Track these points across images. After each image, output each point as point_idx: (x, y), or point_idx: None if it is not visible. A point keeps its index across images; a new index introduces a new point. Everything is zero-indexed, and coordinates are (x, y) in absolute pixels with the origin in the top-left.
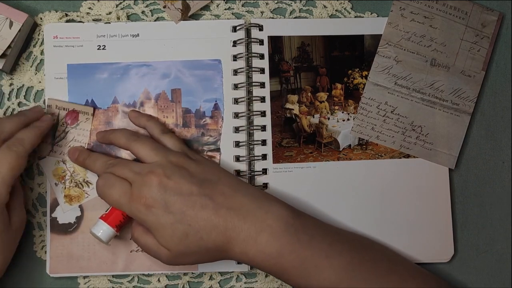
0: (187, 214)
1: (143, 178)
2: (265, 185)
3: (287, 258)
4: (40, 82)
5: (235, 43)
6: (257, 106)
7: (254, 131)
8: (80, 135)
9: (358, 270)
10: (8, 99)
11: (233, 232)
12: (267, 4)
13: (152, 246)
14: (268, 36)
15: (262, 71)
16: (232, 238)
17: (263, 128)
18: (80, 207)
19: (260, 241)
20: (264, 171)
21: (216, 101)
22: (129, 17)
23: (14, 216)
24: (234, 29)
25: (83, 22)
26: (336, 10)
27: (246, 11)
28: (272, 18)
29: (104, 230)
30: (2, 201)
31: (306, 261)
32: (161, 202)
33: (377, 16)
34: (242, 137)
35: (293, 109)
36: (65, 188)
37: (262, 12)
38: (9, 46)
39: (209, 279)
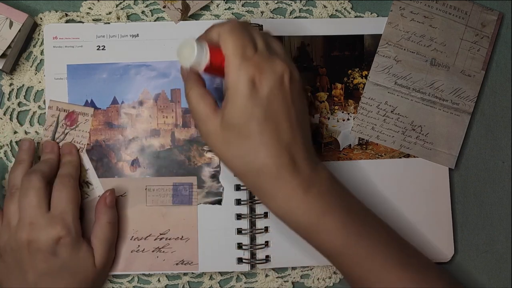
0: (272, 120)
1: (272, 56)
2: None
3: (329, 217)
4: (40, 82)
5: None
6: None
7: None
8: (79, 136)
9: (394, 246)
10: (8, 99)
11: (289, 171)
12: (267, 4)
13: (205, 113)
14: None
15: None
16: (284, 175)
17: None
18: (80, 207)
19: (308, 194)
20: None
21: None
22: (129, 17)
23: (97, 254)
24: None
25: (83, 22)
26: (336, 10)
27: (246, 11)
28: (272, 18)
29: (202, 50)
30: (78, 234)
31: (346, 224)
32: (269, 87)
33: (377, 16)
34: None
35: None
36: None
37: (262, 12)
38: (9, 46)
39: (209, 279)
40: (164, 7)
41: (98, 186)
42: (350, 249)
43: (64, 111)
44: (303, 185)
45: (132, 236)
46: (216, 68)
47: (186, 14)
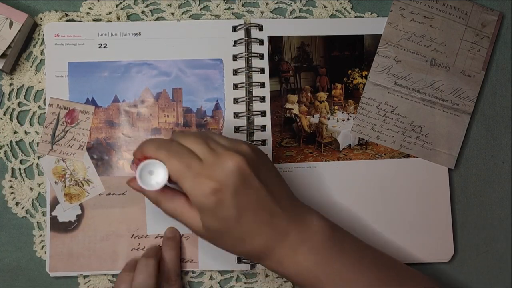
0: (246, 213)
1: (219, 157)
2: None
3: (322, 273)
4: (40, 82)
5: (235, 43)
6: (257, 106)
7: (254, 131)
8: (79, 134)
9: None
10: (8, 99)
11: (275, 243)
12: (267, 4)
13: (185, 215)
14: (268, 36)
15: (262, 71)
16: (272, 248)
17: (263, 128)
18: (81, 205)
19: (299, 253)
20: None
21: (217, 100)
22: (129, 17)
23: None
24: (235, 29)
25: (83, 22)
26: (336, 10)
27: (246, 11)
28: (272, 18)
29: (162, 175)
30: None
31: (341, 274)
32: (232, 190)
33: (377, 16)
34: (242, 137)
35: (293, 109)
36: (65, 186)
37: (262, 12)
38: (9, 46)
39: (209, 279)
40: None
41: (98, 184)
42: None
43: (64, 108)
44: (291, 248)
45: (133, 235)
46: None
47: None
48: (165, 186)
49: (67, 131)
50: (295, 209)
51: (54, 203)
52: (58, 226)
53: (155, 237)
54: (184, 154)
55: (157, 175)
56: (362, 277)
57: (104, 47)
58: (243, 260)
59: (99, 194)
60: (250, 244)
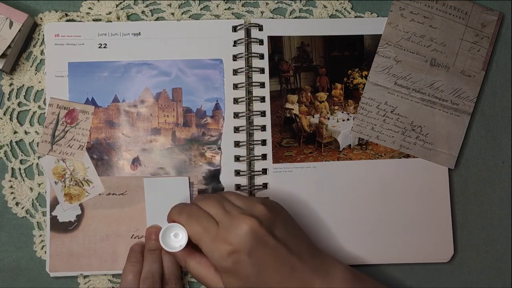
0: (266, 270)
1: (233, 220)
2: (265, 185)
3: None
4: (40, 82)
5: (235, 43)
6: (257, 106)
7: (254, 131)
8: (79, 134)
9: None
10: (8, 99)
11: None
12: (267, 4)
13: (209, 278)
14: (268, 36)
15: (262, 71)
16: None
17: (263, 128)
18: (81, 205)
19: None
20: (264, 171)
21: (217, 100)
22: (129, 17)
23: None
24: (234, 29)
25: (83, 22)
26: (336, 10)
27: (246, 11)
28: (272, 18)
29: (182, 239)
30: None
31: None
32: (247, 251)
33: (377, 16)
34: (242, 137)
35: (293, 109)
36: (65, 186)
37: (262, 12)
38: (9, 46)
39: None
40: None
41: (98, 184)
42: None
43: (64, 108)
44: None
45: (133, 235)
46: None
47: None
48: (194, 248)
49: (67, 131)
50: (317, 260)
51: (54, 203)
52: (58, 226)
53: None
54: (202, 218)
55: (181, 238)
56: None
57: (104, 47)
58: None
59: (99, 194)
60: None
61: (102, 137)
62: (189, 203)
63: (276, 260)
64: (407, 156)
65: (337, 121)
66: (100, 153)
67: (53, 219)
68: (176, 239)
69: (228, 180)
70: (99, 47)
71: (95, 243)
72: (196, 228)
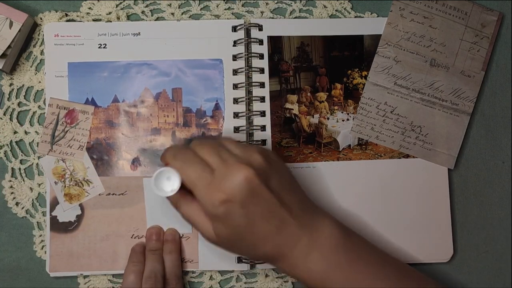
0: (256, 221)
1: (229, 168)
2: None
3: (334, 278)
4: (40, 82)
5: (235, 43)
6: (256, 106)
7: (254, 131)
8: (79, 134)
9: None
10: (8, 99)
11: (287, 249)
12: (267, 4)
13: (199, 222)
14: (268, 36)
15: (261, 71)
16: (284, 253)
17: (263, 128)
18: (81, 205)
19: (310, 259)
20: None
21: (217, 100)
22: (129, 17)
23: None
24: (234, 29)
25: (83, 22)
26: (336, 10)
27: (246, 11)
28: (272, 18)
29: (174, 182)
30: None
31: (351, 281)
32: (240, 201)
33: (377, 16)
34: (242, 137)
35: (292, 109)
36: (65, 186)
37: (262, 12)
38: (9, 46)
39: (209, 279)
40: None
41: (98, 185)
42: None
43: (64, 109)
44: (303, 253)
45: (133, 235)
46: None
47: None
48: (187, 191)
49: (67, 131)
50: (307, 214)
51: (54, 203)
52: (58, 226)
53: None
54: (197, 165)
55: (173, 182)
56: (374, 284)
57: (104, 47)
58: (243, 260)
59: (99, 194)
60: (262, 250)
61: (102, 137)
62: (185, 147)
63: (268, 212)
64: (407, 156)
65: (337, 121)
66: (100, 153)
67: (53, 219)
68: (169, 182)
69: None
70: (99, 47)
71: (95, 243)
72: (191, 174)
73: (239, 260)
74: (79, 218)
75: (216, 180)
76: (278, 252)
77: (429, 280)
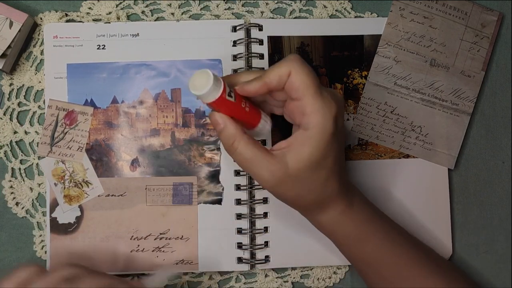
0: (337, 156)
1: (331, 93)
2: None
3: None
4: (40, 82)
5: (235, 43)
6: None
7: None
8: (79, 135)
9: (406, 254)
10: (8, 99)
11: (329, 204)
12: (267, 4)
13: (264, 161)
14: (268, 36)
15: None
16: (327, 207)
17: None
18: (80, 207)
19: (344, 221)
20: None
21: None
22: (129, 17)
23: None
24: (234, 29)
25: (83, 22)
26: (336, 10)
27: (246, 11)
28: (272, 18)
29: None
30: None
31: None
32: (341, 118)
33: (377, 16)
34: None
35: None
36: (64, 188)
37: (262, 12)
38: (9, 46)
39: (209, 279)
40: None
41: (97, 186)
42: (387, 257)
43: (63, 110)
44: (348, 202)
45: (132, 236)
46: (224, 106)
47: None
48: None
49: (66, 132)
50: (346, 181)
51: (54, 204)
52: (58, 228)
53: (155, 239)
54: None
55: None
56: (400, 244)
57: (103, 48)
58: (243, 260)
59: (98, 196)
60: (331, 191)
61: (101, 138)
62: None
63: (340, 153)
64: (407, 156)
65: None
66: (99, 154)
67: (53, 221)
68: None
69: (227, 180)
70: (98, 48)
71: (94, 244)
72: (315, 80)
73: (239, 261)
74: (79, 219)
75: (329, 96)
76: (337, 197)
77: (436, 254)
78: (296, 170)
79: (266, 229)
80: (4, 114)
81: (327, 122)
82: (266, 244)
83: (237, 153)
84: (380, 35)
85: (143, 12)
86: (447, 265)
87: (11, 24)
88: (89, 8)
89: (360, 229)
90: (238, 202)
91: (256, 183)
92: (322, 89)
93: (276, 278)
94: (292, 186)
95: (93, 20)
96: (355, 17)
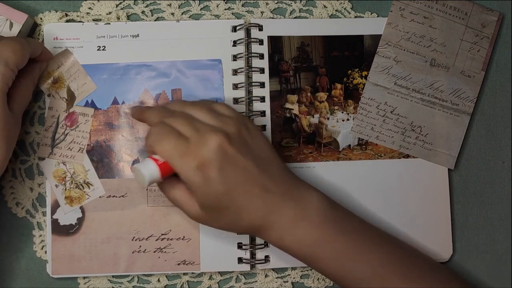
0: (236, 188)
1: (202, 136)
2: None
3: (323, 249)
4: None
5: (235, 43)
6: (256, 106)
7: None
8: (79, 137)
9: (395, 266)
10: None
11: (273, 217)
12: (267, 4)
13: (183, 201)
14: (268, 36)
15: (261, 71)
16: (271, 222)
17: (263, 128)
18: (81, 208)
19: (298, 230)
20: None
21: (216, 100)
22: (129, 17)
23: (15, 102)
24: (234, 29)
25: (83, 22)
26: (336, 10)
27: (246, 11)
28: (272, 18)
29: (151, 170)
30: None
31: (341, 253)
32: (216, 166)
33: (377, 16)
34: None
35: (292, 109)
36: (65, 189)
37: (262, 12)
38: None
39: (209, 279)
40: (48, 95)
41: (99, 187)
42: (347, 274)
43: (64, 111)
44: (290, 224)
45: (134, 237)
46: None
47: (72, 104)
48: (171, 176)
49: (67, 134)
50: (291, 185)
51: (55, 206)
52: (59, 229)
53: (156, 239)
54: (171, 136)
55: (152, 171)
56: (368, 257)
57: (103, 50)
58: (244, 260)
59: (100, 197)
60: (248, 219)
61: (102, 139)
62: (159, 123)
63: (247, 179)
64: (407, 156)
65: (337, 121)
66: (100, 156)
67: (54, 223)
68: (149, 172)
69: None
70: (98, 50)
71: (96, 245)
72: (165, 146)
73: (240, 261)
74: (80, 220)
75: (191, 148)
76: (263, 220)
77: (418, 253)
78: (203, 211)
79: None
80: None
81: (190, 178)
82: (266, 244)
83: (165, 193)
84: (380, 35)
85: (143, 12)
86: (434, 265)
87: (11, 25)
88: (89, 8)
89: (321, 230)
90: None
91: None
92: (181, 147)
93: (276, 278)
94: (216, 219)
95: (93, 20)
96: (355, 17)
